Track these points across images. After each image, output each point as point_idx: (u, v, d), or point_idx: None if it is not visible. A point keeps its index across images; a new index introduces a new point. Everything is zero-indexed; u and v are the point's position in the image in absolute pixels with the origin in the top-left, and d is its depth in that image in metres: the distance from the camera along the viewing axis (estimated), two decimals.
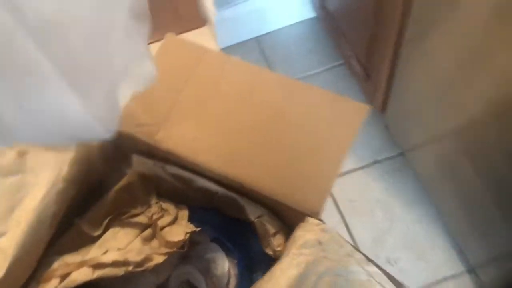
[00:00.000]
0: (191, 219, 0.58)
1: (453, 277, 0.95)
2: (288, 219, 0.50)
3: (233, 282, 0.59)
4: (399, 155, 1.09)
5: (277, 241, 0.48)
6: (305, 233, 0.42)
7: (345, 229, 1.03)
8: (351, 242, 0.99)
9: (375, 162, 1.10)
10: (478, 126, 0.73)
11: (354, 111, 0.47)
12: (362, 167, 1.10)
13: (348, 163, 1.10)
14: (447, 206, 0.96)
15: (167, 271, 0.59)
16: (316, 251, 0.41)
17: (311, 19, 1.32)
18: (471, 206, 0.85)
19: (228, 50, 1.30)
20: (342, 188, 1.08)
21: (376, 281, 0.44)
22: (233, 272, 0.61)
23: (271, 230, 0.48)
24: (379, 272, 0.47)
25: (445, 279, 0.95)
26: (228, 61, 0.54)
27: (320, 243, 0.41)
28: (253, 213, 0.49)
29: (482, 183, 0.78)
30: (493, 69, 0.64)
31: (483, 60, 0.65)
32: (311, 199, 0.44)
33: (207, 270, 0.60)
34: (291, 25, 1.33)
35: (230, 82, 0.52)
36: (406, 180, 1.06)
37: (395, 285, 0.51)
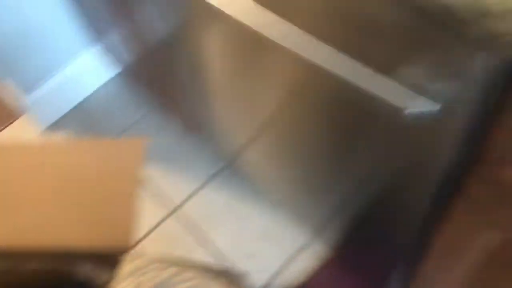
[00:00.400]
0: None
1: (305, 247, 1.10)
2: (115, 264, 0.56)
3: None
4: (230, 164, 1.22)
5: None
6: (124, 267, 0.50)
7: (206, 244, 1.12)
8: (216, 254, 1.08)
9: (213, 175, 1.22)
10: (266, 129, 0.88)
11: (135, 148, 0.56)
12: (203, 184, 1.20)
13: (190, 185, 1.20)
14: (277, 191, 1.11)
15: None
16: (136, 277, 0.48)
17: (120, 73, 1.39)
18: (294, 187, 1.01)
19: (54, 126, 1.34)
20: (192, 208, 1.17)
21: (195, 284, 0.53)
22: None
23: (101, 281, 0.54)
24: (201, 275, 0.56)
25: (299, 250, 1.10)
26: (16, 147, 0.59)
27: (137, 269, 0.49)
28: (81, 273, 0.54)
29: (290, 166, 0.94)
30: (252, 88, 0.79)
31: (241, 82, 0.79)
32: (120, 238, 0.51)
33: None
34: (105, 83, 1.39)
35: (23, 166, 0.57)
36: (242, 182, 1.19)
37: (227, 278, 0.61)
